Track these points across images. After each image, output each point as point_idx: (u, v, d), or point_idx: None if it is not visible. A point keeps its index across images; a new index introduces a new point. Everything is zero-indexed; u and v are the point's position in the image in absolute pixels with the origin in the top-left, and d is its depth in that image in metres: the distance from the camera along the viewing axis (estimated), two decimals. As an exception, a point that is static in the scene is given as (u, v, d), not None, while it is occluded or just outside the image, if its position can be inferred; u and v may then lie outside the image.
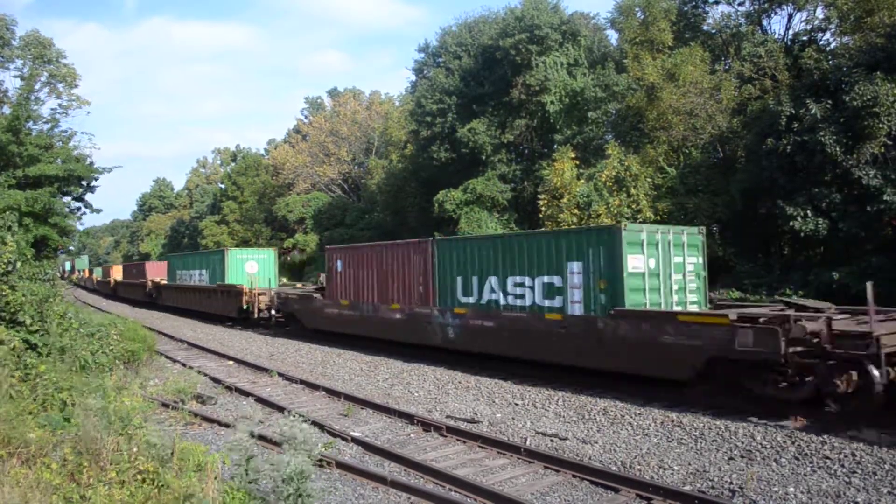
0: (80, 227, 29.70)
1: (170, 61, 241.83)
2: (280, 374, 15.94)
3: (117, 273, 56.48)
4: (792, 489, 7.48)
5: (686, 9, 28.69)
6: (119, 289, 52.63)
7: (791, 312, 10.37)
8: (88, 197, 27.96)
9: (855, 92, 18.48)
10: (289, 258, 51.17)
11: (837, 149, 18.78)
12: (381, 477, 8.21)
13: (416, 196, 39.29)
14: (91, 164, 27.00)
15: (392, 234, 41.47)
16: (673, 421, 10.30)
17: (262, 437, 9.49)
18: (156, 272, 43.60)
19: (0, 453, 6.00)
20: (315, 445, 6.51)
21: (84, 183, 26.68)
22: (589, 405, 11.55)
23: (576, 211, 25.42)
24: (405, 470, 8.68)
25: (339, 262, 20.50)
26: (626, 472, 8.35)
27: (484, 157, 34.44)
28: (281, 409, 12.23)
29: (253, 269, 29.01)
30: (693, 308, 13.46)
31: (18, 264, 10.73)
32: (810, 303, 12.82)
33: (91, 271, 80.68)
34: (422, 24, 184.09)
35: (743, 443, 9.16)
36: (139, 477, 5.70)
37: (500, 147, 34.66)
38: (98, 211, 43.42)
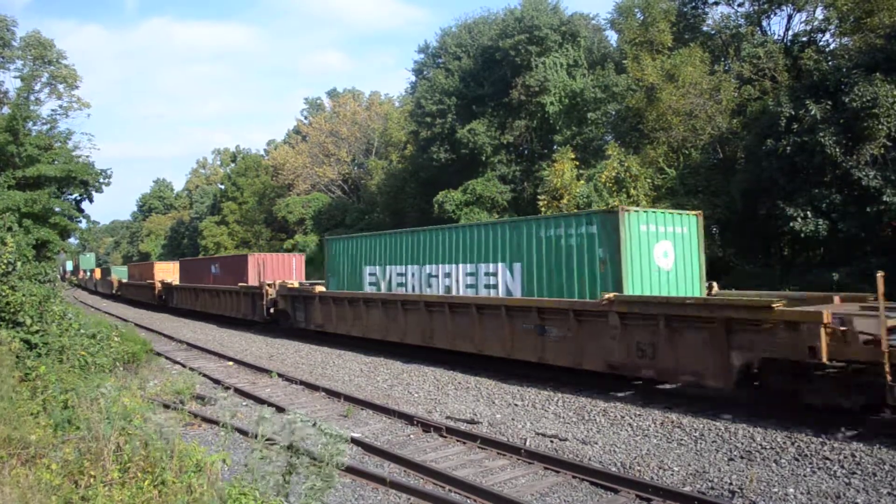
0: (83, 225, 29.60)
1: (170, 62, 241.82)
2: (280, 375, 15.94)
3: (167, 273, 39.68)
4: (792, 490, 7.48)
5: (685, 10, 28.73)
6: (176, 297, 36.37)
7: None
8: (86, 206, 27.90)
9: (854, 93, 18.49)
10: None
11: (837, 150, 18.80)
12: (381, 478, 8.21)
13: (416, 197, 39.32)
14: (92, 165, 27.05)
15: (392, 235, 41.38)
16: (673, 422, 10.30)
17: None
18: (277, 270, 27.87)
19: (0, 454, 6.01)
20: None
21: (86, 186, 26.68)
22: (589, 406, 11.55)
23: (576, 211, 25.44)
24: (405, 471, 8.69)
25: None
26: (625, 472, 8.35)
27: (484, 158, 34.47)
28: (281, 410, 12.23)
29: (668, 262, 13.60)
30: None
31: (19, 264, 10.74)
32: None
33: (105, 271, 65.34)
34: (423, 24, 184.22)
35: (743, 444, 9.16)
36: (140, 475, 5.70)
37: (500, 148, 34.70)
38: (95, 223, 34.98)
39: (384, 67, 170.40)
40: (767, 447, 8.95)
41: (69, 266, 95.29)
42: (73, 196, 26.83)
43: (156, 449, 6.03)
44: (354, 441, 10.03)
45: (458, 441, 10.00)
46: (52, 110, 28.33)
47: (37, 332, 10.25)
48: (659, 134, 25.90)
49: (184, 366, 18.12)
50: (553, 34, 32.72)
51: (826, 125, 19.02)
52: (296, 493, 5.59)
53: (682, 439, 9.60)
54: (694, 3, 28.72)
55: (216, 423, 11.36)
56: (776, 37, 26.80)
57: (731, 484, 7.77)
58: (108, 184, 27.32)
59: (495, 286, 15.36)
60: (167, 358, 19.46)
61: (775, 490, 7.51)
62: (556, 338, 13.35)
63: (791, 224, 19.81)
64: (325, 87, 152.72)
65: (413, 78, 45.56)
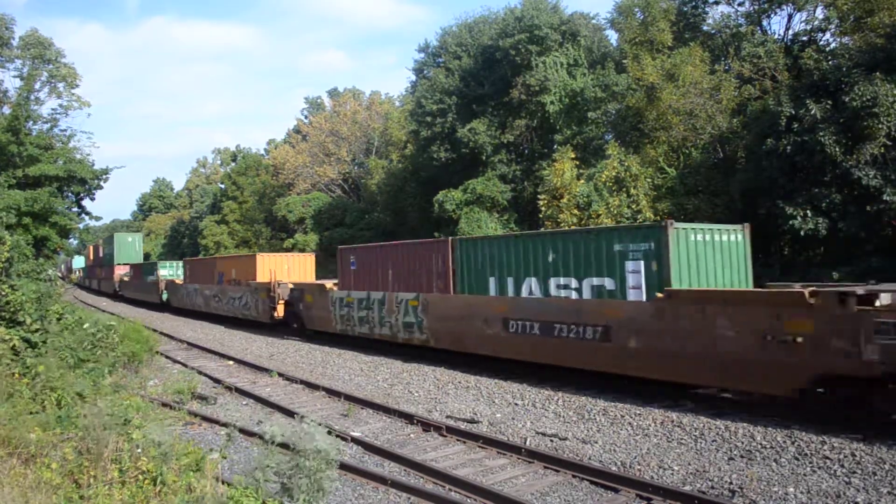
0: (81, 226, 29.58)
1: (170, 61, 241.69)
2: (280, 374, 15.95)
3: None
4: (792, 489, 7.48)
5: (686, 9, 28.70)
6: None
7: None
8: (88, 204, 27.94)
9: (855, 92, 18.48)
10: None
11: (837, 149, 18.79)
12: (381, 477, 8.22)
13: (416, 196, 39.30)
14: (93, 165, 27.08)
15: (392, 235, 41.66)
16: (673, 421, 10.30)
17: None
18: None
19: (0, 453, 6.00)
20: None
21: (87, 186, 26.69)
22: (589, 405, 11.55)
23: (576, 211, 25.42)
24: (405, 470, 8.69)
25: None
26: (625, 472, 8.35)
27: (484, 158, 34.46)
28: (281, 410, 12.24)
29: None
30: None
31: (15, 257, 10.73)
32: None
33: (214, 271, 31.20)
34: (423, 24, 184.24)
35: (743, 443, 9.16)
36: (140, 476, 5.70)
37: (500, 147, 34.68)
38: (98, 218, 33.37)
39: (385, 67, 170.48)
40: (767, 446, 8.95)
41: (77, 263, 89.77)
42: (73, 195, 26.84)
43: (155, 448, 6.03)
44: (355, 440, 10.04)
45: (458, 440, 10.00)
46: (52, 109, 28.31)
47: (36, 330, 10.25)
48: (659, 133, 25.87)
49: (184, 365, 18.13)
50: (553, 33, 32.69)
51: (826, 125, 19.00)
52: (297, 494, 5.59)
53: (682, 438, 9.60)
54: (694, 3, 28.69)
55: (216, 422, 11.37)
56: (776, 36, 26.79)
57: (731, 483, 7.76)
58: (106, 180, 27.32)
59: None
60: (168, 357, 19.46)
61: (775, 489, 7.50)
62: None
63: (791, 223, 19.79)
64: (325, 87, 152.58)
65: (413, 77, 45.57)
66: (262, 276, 25.82)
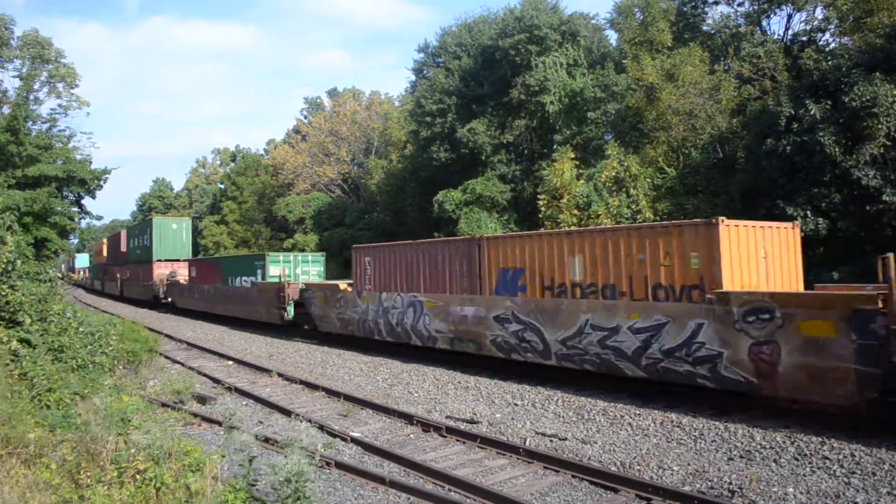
0: (83, 224, 29.57)
1: (170, 61, 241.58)
2: (280, 375, 15.94)
3: None
4: (791, 489, 7.48)
5: (685, 9, 28.72)
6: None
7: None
8: (88, 203, 28.01)
9: (854, 92, 18.49)
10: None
11: (837, 149, 18.80)
12: (381, 477, 8.22)
13: (416, 196, 39.29)
14: (91, 165, 27.09)
15: (392, 235, 41.59)
16: (672, 421, 10.30)
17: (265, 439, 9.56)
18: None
19: (0, 453, 6.00)
20: (315, 448, 6.52)
21: (87, 186, 26.69)
22: (588, 405, 11.55)
23: (576, 211, 25.43)
24: (405, 470, 8.68)
25: None
26: (625, 472, 8.35)
27: (483, 158, 34.46)
28: (281, 410, 12.24)
29: None
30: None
31: (18, 263, 10.73)
32: None
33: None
34: (424, 24, 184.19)
35: (742, 443, 9.16)
36: (138, 477, 5.70)
37: (500, 147, 34.69)
38: (99, 218, 31.08)
39: (385, 67, 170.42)
40: (767, 447, 8.95)
41: (81, 261, 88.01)
42: (73, 195, 26.87)
43: (154, 448, 6.03)
44: (354, 440, 10.04)
45: (457, 440, 10.00)
46: (52, 109, 28.28)
47: (36, 331, 10.25)
48: (659, 133, 25.88)
49: (184, 365, 18.13)
50: (553, 34, 32.70)
51: (826, 125, 19.01)
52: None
53: (681, 439, 9.60)
54: (693, 3, 28.71)
55: (216, 422, 11.36)
56: (776, 36, 26.80)
57: (730, 483, 7.76)
58: (106, 181, 27.34)
59: None
60: (167, 357, 19.45)
61: (775, 489, 7.50)
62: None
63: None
64: (325, 87, 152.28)
65: (413, 77, 45.55)
66: (728, 279, 10.86)
